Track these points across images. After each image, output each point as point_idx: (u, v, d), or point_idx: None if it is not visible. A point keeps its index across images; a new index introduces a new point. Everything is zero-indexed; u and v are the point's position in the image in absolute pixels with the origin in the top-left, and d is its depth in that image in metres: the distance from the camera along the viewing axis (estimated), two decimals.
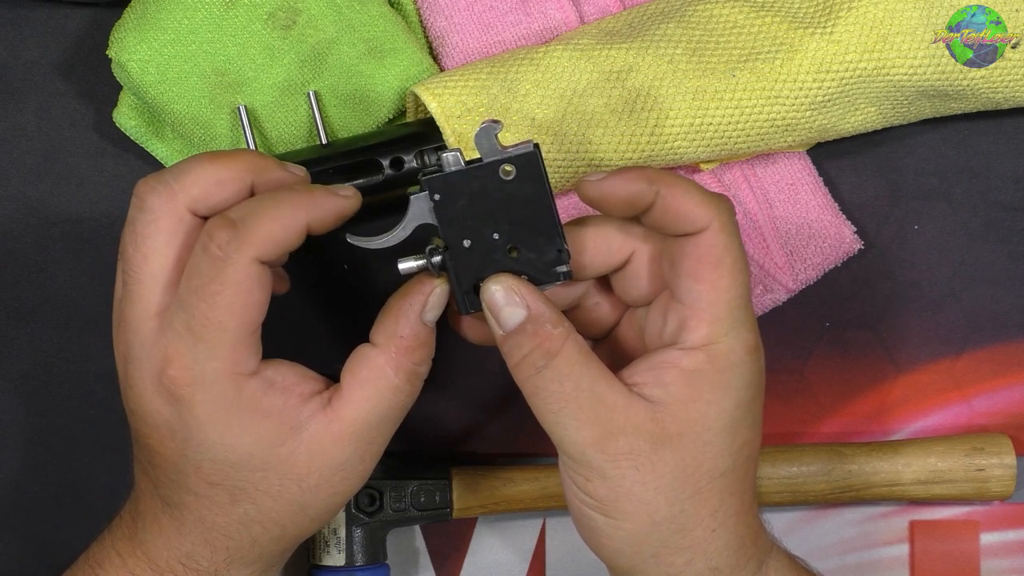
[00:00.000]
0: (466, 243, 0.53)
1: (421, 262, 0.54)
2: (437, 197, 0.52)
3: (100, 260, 0.69)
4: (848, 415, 0.71)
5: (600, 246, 0.55)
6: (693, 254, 0.52)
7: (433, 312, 0.54)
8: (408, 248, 0.54)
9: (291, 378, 0.53)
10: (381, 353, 0.53)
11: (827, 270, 0.70)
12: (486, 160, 0.52)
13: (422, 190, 0.53)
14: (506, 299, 0.53)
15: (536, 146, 0.52)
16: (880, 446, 0.69)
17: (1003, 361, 0.71)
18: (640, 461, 0.52)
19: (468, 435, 0.70)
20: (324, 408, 0.52)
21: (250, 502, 0.52)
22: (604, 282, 0.58)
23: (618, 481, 0.52)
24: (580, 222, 0.56)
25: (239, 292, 0.50)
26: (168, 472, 0.53)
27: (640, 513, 0.52)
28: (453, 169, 0.52)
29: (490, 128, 0.52)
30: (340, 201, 0.53)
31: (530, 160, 0.52)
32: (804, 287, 0.69)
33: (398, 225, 0.53)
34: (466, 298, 0.54)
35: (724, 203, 0.53)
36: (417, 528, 0.71)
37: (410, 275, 0.54)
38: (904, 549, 0.71)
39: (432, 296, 0.54)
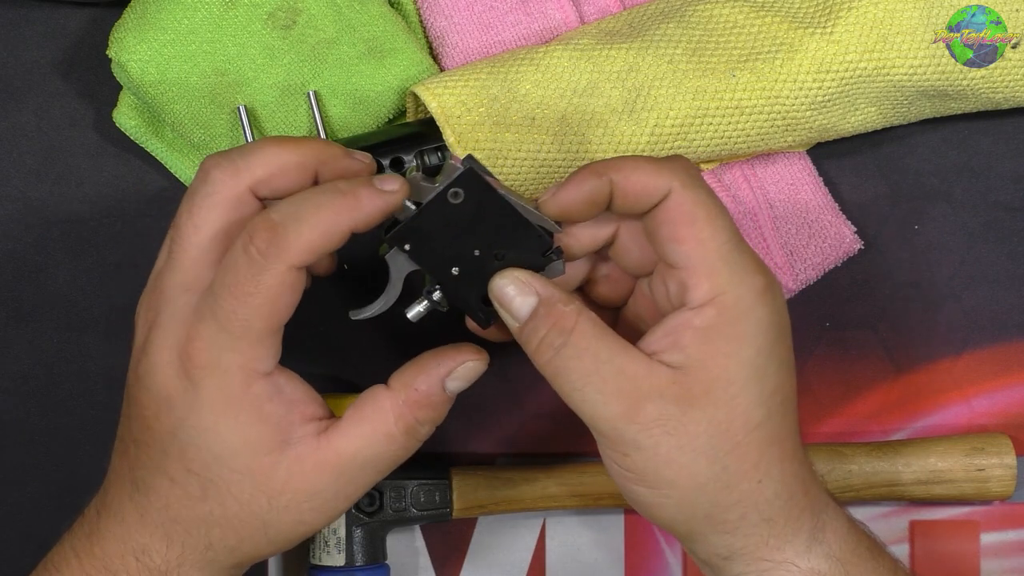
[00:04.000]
0: (454, 271, 0.54)
1: (424, 303, 0.55)
2: (408, 247, 0.54)
3: (100, 260, 0.69)
4: (848, 415, 0.71)
5: (581, 227, 0.56)
6: (665, 220, 0.53)
7: (456, 383, 0.54)
8: (403, 298, 0.55)
9: (299, 394, 0.53)
10: (390, 398, 0.53)
11: (827, 270, 0.70)
12: (432, 196, 0.53)
13: (389, 248, 0.54)
14: (515, 291, 0.54)
15: (469, 158, 0.53)
16: (880, 446, 0.69)
17: (1003, 361, 0.71)
18: (672, 426, 0.51)
19: (468, 435, 0.70)
20: (318, 434, 0.52)
21: (217, 502, 0.52)
22: (604, 260, 0.59)
23: (654, 450, 0.52)
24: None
25: (270, 297, 0.50)
26: (152, 449, 0.53)
27: (683, 478, 0.52)
28: (409, 216, 0.53)
29: (415, 178, 0.53)
30: (384, 200, 0.52)
31: (469, 176, 0.53)
32: (804, 287, 0.69)
33: (388, 287, 0.55)
34: (479, 313, 0.55)
35: (679, 163, 0.53)
36: (417, 528, 0.71)
37: (421, 319, 0.55)
38: (904, 549, 0.71)
39: (462, 367, 0.54)
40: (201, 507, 0.52)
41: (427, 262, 0.54)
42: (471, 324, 0.58)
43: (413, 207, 0.53)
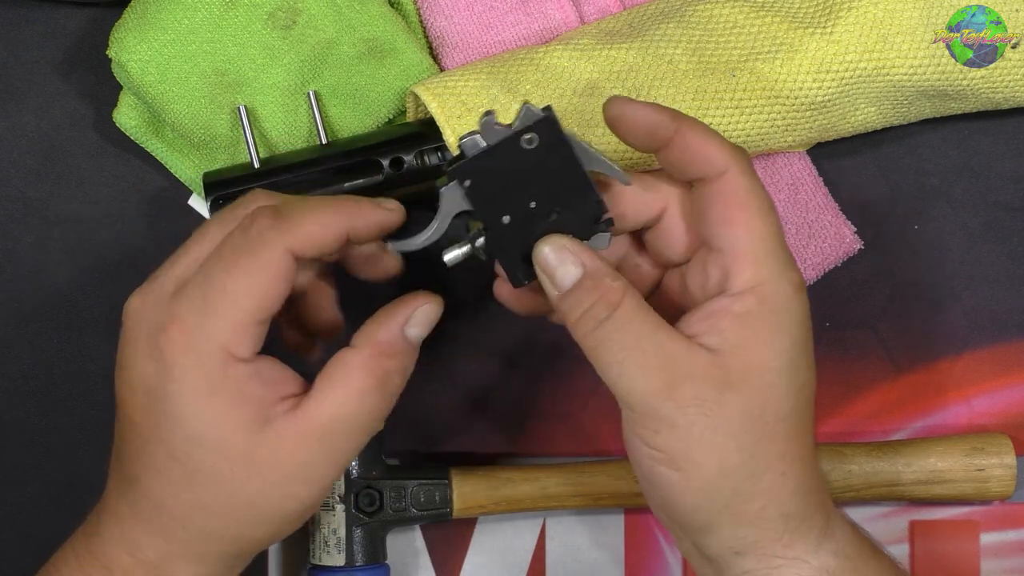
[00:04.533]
0: (505, 219, 0.53)
1: (466, 248, 0.54)
2: (467, 183, 0.53)
3: (100, 260, 0.69)
4: (848, 415, 0.71)
5: (633, 198, 0.55)
6: (719, 199, 0.53)
7: (416, 329, 0.54)
8: (444, 240, 0.54)
9: (277, 374, 0.53)
10: (354, 354, 0.53)
11: (827, 270, 0.70)
12: (507, 135, 0.52)
13: (449, 181, 0.53)
14: (559, 259, 0.53)
15: (549, 108, 0.53)
16: (880, 446, 0.69)
17: (1003, 361, 0.71)
18: (708, 407, 0.51)
19: (468, 435, 0.70)
20: (295, 407, 0.52)
21: (203, 488, 0.52)
22: (641, 244, 0.58)
23: (687, 429, 0.51)
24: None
25: (265, 276, 0.51)
26: (136, 443, 0.53)
27: (711, 462, 0.52)
28: (477, 151, 0.52)
29: (490, 120, 0.52)
30: (383, 214, 0.54)
31: (549, 123, 0.52)
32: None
33: (433, 221, 0.54)
34: (517, 270, 0.54)
35: (741, 151, 0.54)
36: (417, 528, 0.71)
37: (456, 265, 0.54)
38: (904, 549, 0.71)
39: (419, 310, 0.54)
40: (187, 494, 0.52)
41: (482, 204, 0.53)
42: (499, 289, 0.57)
43: (483, 144, 0.52)
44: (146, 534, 0.53)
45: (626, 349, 0.52)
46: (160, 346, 0.51)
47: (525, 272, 0.54)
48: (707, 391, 0.51)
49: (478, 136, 0.52)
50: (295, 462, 0.52)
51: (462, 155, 0.52)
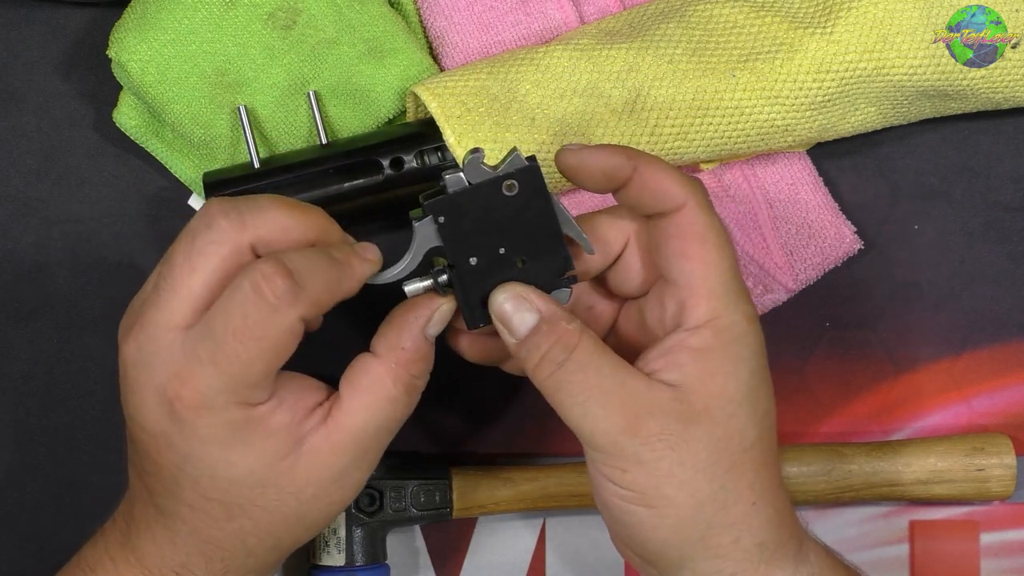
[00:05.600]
0: (472, 260, 0.53)
1: (428, 283, 0.54)
2: (441, 219, 0.53)
3: (100, 260, 0.69)
4: (848, 415, 0.71)
5: (598, 241, 0.56)
6: (676, 233, 0.53)
7: (436, 327, 0.55)
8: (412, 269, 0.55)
9: (297, 392, 0.53)
10: (381, 363, 0.53)
11: (827, 270, 0.70)
12: (489, 178, 0.52)
13: (425, 214, 0.53)
14: (515, 307, 0.54)
15: (533, 158, 0.53)
16: (880, 446, 0.69)
17: (1003, 361, 0.71)
18: (674, 441, 0.51)
19: (468, 435, 0.70)
20: (325, 420, 0.53)
21: (247, 517, 0.53)
22: (596, 284, 0.59)
23: (655, 464, 0.52)
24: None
25: (278, 343, 0.50)
26: (164, 481, 0.53)
27: (682, 496, 0.52)
28: (456, 190, 0.52)
29: (476, 159, 0.52)
30: (370, 269, 0.54)
31: (532, 173, 0.53)
32: (804, 287, 0.69)
33: (406, 255, 0.54)
34: (474, 313, 0.55)
35: (698, 184, 0.54)
36: (417, 528, 0.70)
37: (416, 295, 0.55)
38: (904, 549, 0.71)
39: (438, 312, 0.55)
40: (230, 525, 0.53)
41: (452, 242, 0.53)
42: (453, 338, 0.58)
43: (466, 183, 0.52)
44: (192, 558, 0.53)
45: (587, 390, 0.52)
46: (172, 405, 0.51)
47: (482, 315, 0.55)
48: (672, 425, 0.52)
49: (461, 174, 0.52)
50: (332, 474, 0.53)
51: (443, 190, 0.53)
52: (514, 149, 0.53)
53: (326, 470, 0.53)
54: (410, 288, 0.54)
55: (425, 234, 0.53)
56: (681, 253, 0.53)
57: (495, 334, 0.55)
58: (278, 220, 0.52)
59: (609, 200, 0.58)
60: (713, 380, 0.52)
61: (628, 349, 0.57)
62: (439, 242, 0.53)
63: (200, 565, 0.53)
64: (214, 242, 0.51)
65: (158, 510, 0.53)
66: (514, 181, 0.52)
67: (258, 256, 0.52)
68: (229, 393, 0.50)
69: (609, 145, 0.54)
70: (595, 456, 0.53)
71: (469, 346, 0.58)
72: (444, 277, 0.54)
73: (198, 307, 0.51)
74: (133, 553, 0.54)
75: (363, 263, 0.54)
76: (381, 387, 0.53)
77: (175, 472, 0.52)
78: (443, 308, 0.55)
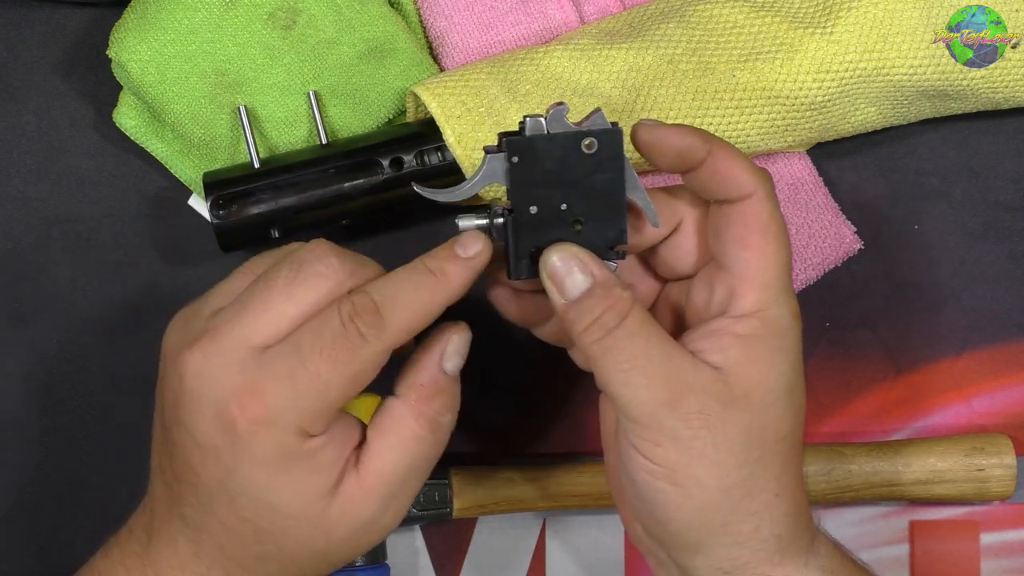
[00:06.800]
0: (532, 209, 0.52)
1: (483, 221, 0.53)
2: (515, 159, 0.52)
3: (100, 260, 0.69)
4: (848, 415, 0.71)
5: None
6: (740, 221, 0.53)
7: (452, 361, 0.54)
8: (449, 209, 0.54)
9: (347, 431, 0.52)
10: (402, 403, 0.53)
11: (827, 270, 0.70)
12: (570, 131, 0.52)
13: (500, 150, 0.52)
14: (567, 268, 0.53)
15: (616, 124, 0.52)
16: (880, 446, 0.69)
17: (1003, 361, 0.71)
18: (712, 421, 0.51)
19: (468, 435, 0.70)
20: (356, 464, 0.52)
21: (273, 543, 0.52)
22: (641, 262, 0.58)
23: (690, 443, 0.51)
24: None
25: (361, 373, 0.50)
26: (200, 494, 0.52)
27: (711, 478, 0.52)
28: (537, 134, 0.52)
29: (560, 110, 0.52)
30: (472, 270, 0.53)
31: (613, 137, 0.52)
32: (804, 287, 0.69)
33: (467, 180, 0.53)
34: (520, 264, 0.54)
35: (767, 175, 0.54)
36: (417, 528, 0.71)
37: (464, 231, 0.53)
38: (904, 549, 0.71)
39: (450, 344, 0.54)
40: (256, 548, 0.52)
41: (518, 186, 0.52)
42: (496, 293, 0.57)
43: (545, 131, 0.52)
44: (212, 571, 0.53)
45: (633, 359, 0.51)
46: (232, 415, 0.50)
47: (527, 268, 0.54)
48: (712, 405, 0.51)
49: (543, 120, 0.52)
50: (363, 520, 0.53)
51: (521, 131, 0.52)
52: (598, 109, 0.52)
53: (357, 515, 0.52)
54: (463, 222, 0.53)
55: (494, 167, 0.52)
56: (741, 241, 0.53)
57: (537, 291, 0.55)
58: (397, 294, 0.52)
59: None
60: (756, 367, 0.52)
61: (669, 326, 0.57)
62: (503, 180, 0.52)
63: None
64: (322, 276, 0.52)
65: (184, 522, 0.53)
66: (594, 140, 0.52)
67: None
68: (296, 413, 0.50)
69: (686, 126, 0.54)
70: (630, 427, 0.52)
71: (506, 301, 0.58)
72: (499, 220, 0.53)
73: (282, 334, 0.51)
74: (152, 566, 0.54)
75: (461, 270, 0.52)
76: (404, 427, 0.53)
77: (215, 487, 0.52)
78: (455, 339, 0.54)
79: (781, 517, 0.53)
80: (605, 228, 0.53)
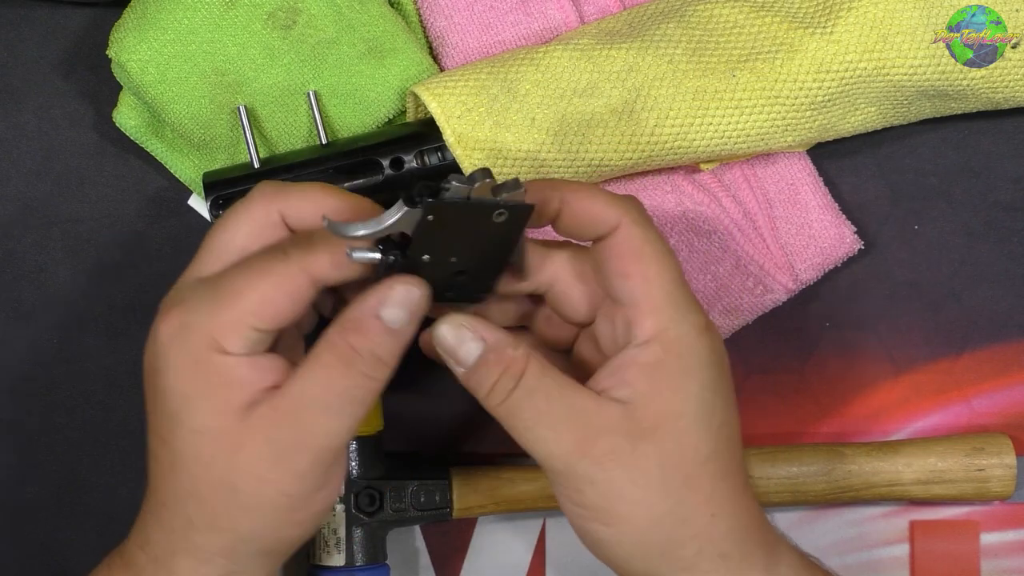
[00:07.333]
0: (425, 258, 0.53)
1: (376, 256, 0.52)
2: (430, 218, 0.52)
3: (100, 260, 0.69)
4: (848, 415, 0.71)
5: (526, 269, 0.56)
6: (615, 253, 0.53)
7: (392, 310, 0.52)
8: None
9: (275, 365, 0.52)
10: (324, 335, 0.52)
11: (827, 270, 0.70)
12: (487, 200, 0.52)
13: (414, 206, 0.52)
14: (458, 338, 0.53)
15: (531, 204, 0.53)
16: (880, 446, 0.69)
17: (1003, 361, 0.71)
18: (623, 459, 0.52)
19: (468, 435, 0.70)
20: (276, 389, 0.52)
21: (187, 472, 0.52)
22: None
23: (607, 484, 0.52)
24: None
25: (276, 289, 0.51)
26: (150, 437, 0.53)
27: (638, 513, 0.52)
28: (456, 199, 0.52)
29: (488, 180, 0.52)
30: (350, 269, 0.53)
31: (524, 212, 0.52)
32: (804, 287, 0.69)
33: (374, 221, 0.52)
34: None
35: (631, 201, 0.54)
36: (417, 528, 0.71)
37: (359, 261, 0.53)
38: (904, 549, 0.71)
39: (393, 292, 0.52)
40: (173, 479, 0.52)
41: (422, 237, 0.52)
42: (423, 339, 0.56)
43: (467, 197, 0.52)
44: (153, 528, 0.53)
45: (536, 415, 0.52)
46: (158, 327, 0.52)
47: None
48: (621, 443, 0.52)
49: (465, 185, 0.52)
50: (264, 440, 0.51)
51: (440, 191, 0.52)
52: (518, 180, 0.52)
53: (260, 435, 0.51)
54: (357, 255, 0.52)
55: (407, 220, 0.52)
56: (620, 272, 0.53)
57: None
58: (313, 195, 0.53)
59: None
60: (662, 396, 0.52)
61: (589, 365, 0.57)
62: (407, 231, 0.52)
63: (161, 537, 0.53)
64: (246, 207, 0.53)
65: (147, 480, 0.54)
66: (507, 213, 0.52)
67: (292, 230, 0.53)
68: (208, 324, 0.51)
69: (533, 181, 0.54)
70: (552, 478, 0.53)
71: (430, 349, 0.56)
72: (391, 259, 0.52)
73: (226, 262, 0.53)
74: (125, 543, 0.54)
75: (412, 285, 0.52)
76: (316, 354, 0.51)
77: (150, 416, 0.52)
78: (398, 288, 0.52)
79: (721, 537, 0.53)
80: (482, 280, 0.54)
